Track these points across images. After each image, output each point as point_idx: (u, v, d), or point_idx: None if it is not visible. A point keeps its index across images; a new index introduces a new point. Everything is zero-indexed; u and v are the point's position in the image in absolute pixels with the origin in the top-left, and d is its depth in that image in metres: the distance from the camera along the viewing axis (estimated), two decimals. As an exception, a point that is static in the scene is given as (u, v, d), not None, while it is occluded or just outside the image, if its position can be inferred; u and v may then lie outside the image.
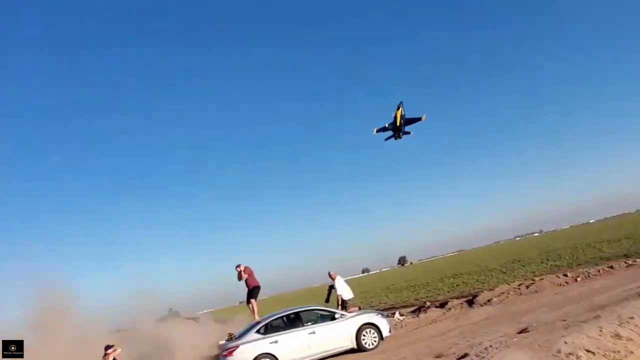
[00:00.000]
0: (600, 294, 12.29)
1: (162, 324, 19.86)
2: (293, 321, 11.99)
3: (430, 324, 15.08)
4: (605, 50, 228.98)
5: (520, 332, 9.84)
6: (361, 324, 12.21)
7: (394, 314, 17.88)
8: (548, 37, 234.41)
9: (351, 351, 12.09)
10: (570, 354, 7.08)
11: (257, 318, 12.51)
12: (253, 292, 13.26)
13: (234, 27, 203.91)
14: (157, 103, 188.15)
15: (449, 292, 24.35)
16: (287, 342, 11.47)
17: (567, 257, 28.15)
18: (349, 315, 12.46)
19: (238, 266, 13.41)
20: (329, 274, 14.63)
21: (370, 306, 26.08)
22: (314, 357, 11.70)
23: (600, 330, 8.08)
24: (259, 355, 11.10)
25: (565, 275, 17.40)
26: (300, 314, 12.25)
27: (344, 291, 14.38)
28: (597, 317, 9.11)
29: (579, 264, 22.26)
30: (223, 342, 11.85)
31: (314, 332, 11.81)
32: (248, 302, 13.25)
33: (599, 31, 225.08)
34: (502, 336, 9.83)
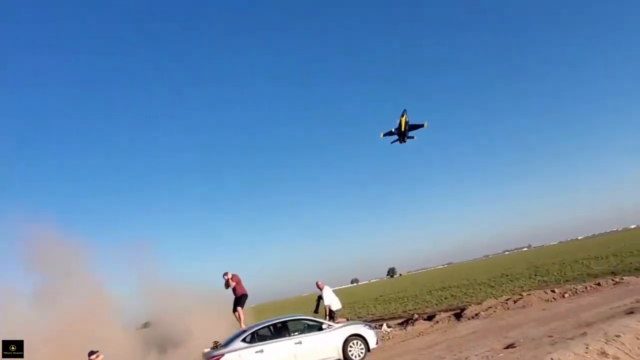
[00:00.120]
0: (588, 311, 12.33)
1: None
2: (280, 330, 11.87)
3: (417, 336, 15.02)
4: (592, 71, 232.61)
5: (507, 348, 9.82)
6: (348, 335, 12.11)
7: (381, 325, 17.78)
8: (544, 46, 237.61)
9: (337, 362, 11.99)
10: (556, 370, 7.07)
11: (243, 326, 12.37)
12: (240, 300, 13.13)
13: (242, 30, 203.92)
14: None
15: (437, 304, 24.31)
16: (273, 352, 11.33)
17: (555, 273, 28.27)
18: (336, 326, 12.36)
19: (225, 274, 13.28)
20: (317, 284, 14.50)
21: (358, 317, 25.94)
22: (300, 367, 11.57)
23: (587, 348, 8.08)
24: (245, 364, 10.95)
25: (553, 291, 17.46)
26: (287, 323, 12.12)
27: (332, 301, 14.29)
28: (584, 334, 9.12)
29: (566, 280, 22.35)
30: (208, 350, 11.68)
31: (300, 342, 11.68)
32: (234, 310, 13.12)
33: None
34: (488, 351, 9.81)
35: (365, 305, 37.36)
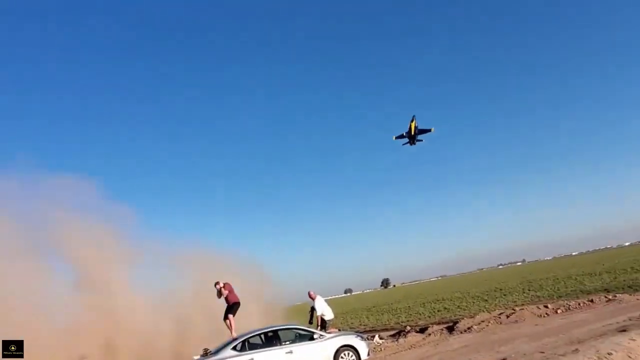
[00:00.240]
0: (580, 328, 12.30)
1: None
2: (271, 339, 11.78)
3: (409, 349, 14.92)
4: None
5: (499, 362, 9.77)
6: (339, 345, 12.04)
7: (373, 337, 17.68)
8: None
9: (328, 373, 11.89)
10: (547, 387, 7.02)
11: (234, 334, 12.27)
12: (232, 308, 13.03)
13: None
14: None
15: (429, 317, 24.23)
16: (264, 361, 11.25)
17: (548, 288, 28.27)
18: (327, 336, 12.29)
19: (217, 283, 13.19)
20: (309, 294, 14.38)
21: (351, 327, 25.81)
22: (290, 377, 11.47)
23: (579, 365, 8.05)
24: (234, 372, 10.86)
25: (546, 306, 17.42)
26: (279, 332, 12.04)
27: (325, 311, 14.20)
28: (576, 350, 9.08)
29: (559, 296, 22.35)
30: (197, 357, 11.58)
31: (291, 352, 11.60)
32: (226, 317, 13.00)
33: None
34: (480, 365, 9.76)
35: (358, 315, 37.19)
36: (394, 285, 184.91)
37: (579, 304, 17.07)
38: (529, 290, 29.89)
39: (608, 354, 8.42)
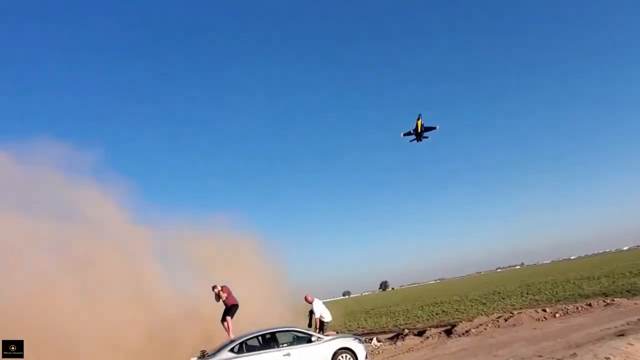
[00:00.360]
0: (578, 332, 12.30)
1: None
2: (268, 341, 11.74)
3: (407, 352, 14.92)
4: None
5: (497, 366, 9.77)
6: (337, 348, 12.00)
7: (371, 339, 17.67)
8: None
9: (325, 375, 11.87)
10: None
11: (232, 336, 12.23)
12: (230, 310, 12.99)
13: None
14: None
15: (428, 320, 24.20)
16: (261, 363, 11.21)
17: (546, 292, 28.26)
18: (325, 338, 12.25)
19: (214, 287, 13.16)
20: (306, 298, 14.13)
21: (349, 330, 25.76)
22: (287, 379, 11.44)
23: (576, 369, 8.05)
24: (230, 374, 10.82)
25: (544, 310, 17.43)
26: (276, 334, 11.99)
27: (323, 313, 14.12)
28: (574, 355, 9.09)
29: (558, 300, 22.33)
30: (195, 359, 11.54)
31: (288, 354, 11.56)
32: (223, 319, 12.97)
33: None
34: (478, 369, 9.75)
35: (356, 318, 37.14)
36: (393, 288, 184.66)
37: (577, 308, 17.08)
38: (527, 293, 29.88)
39: (606, 358, 8.42)
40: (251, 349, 11.46)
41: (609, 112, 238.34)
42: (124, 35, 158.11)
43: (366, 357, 12.47)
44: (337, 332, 14.29)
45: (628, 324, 12.11)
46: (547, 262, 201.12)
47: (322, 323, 13.89)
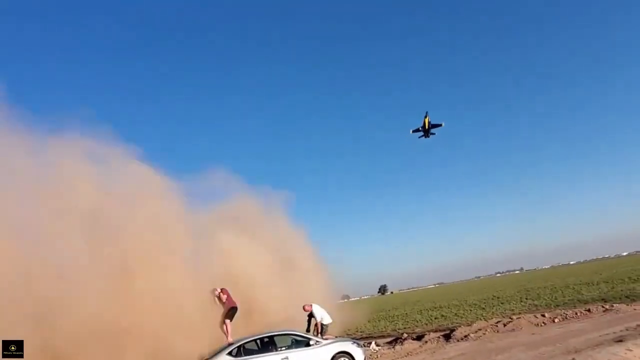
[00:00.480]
0: (577, 337, 12.28)
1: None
2: (267, 345, 11.74)
3: (405, 356, 14.88)
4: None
5: (495, 371, 9.75)
6: (336, 352, 12.00)
7: (370, 343, 17.61)
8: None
9: (324, 379, 11.84)
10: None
11: (230, 339, 12.21)
12: (229, 312, 12.97)
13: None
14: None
15: (426, 324, 24.13)
16: (259, 367, 11.20)
17: (545, 297, 28.21)
18: (324, 342, 12.24)
19: (214, 290, 13.15)
20: (304, 308, 13.95)
21: (347, 334, 25.68)
22: (285, 383, 11.43)
23: (575, 375, 8.04)
24: (228, 378, 10.80)
25: (543, 315, 17.40)
26: (275, 337, 11.99)
27: (324, 316, 14.04)
28: (573, 360, 9.08)
29: (557, 305, 22.28)
30: None
31: (287, 358, 11.55)
32: (222, 323, 12.94)
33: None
34: (476, 374, 9.74)
35: (354, 322, 37.01)
36: (392, 292, 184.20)
37: (576, 314, 17.05)
38: (526, 298, 29.82)
39: (604, 364, 8.41)
40: (249, 352, 11.45)
41: (610, 117, 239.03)
42: (124, 35, 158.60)
43: (365, 361, 12.46)
44: (336, 337, 14.26)
45: (627, 330, 12.09)
46: (546, 267, 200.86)
47: (323, 326, 13.85)
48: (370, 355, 15.55)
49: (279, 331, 12.62)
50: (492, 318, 19.89)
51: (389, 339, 19.37)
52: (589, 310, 17.24)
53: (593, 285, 32.28)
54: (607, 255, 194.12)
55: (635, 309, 16.57)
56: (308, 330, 14.33)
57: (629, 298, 20.08)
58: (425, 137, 34.92)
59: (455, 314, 27.41)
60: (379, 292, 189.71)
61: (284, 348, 11.76)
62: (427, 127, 34.04)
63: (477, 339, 15.49)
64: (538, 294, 31.91)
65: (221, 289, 13.09)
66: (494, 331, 16.33)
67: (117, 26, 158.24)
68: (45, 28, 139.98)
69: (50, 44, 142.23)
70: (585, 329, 13.77)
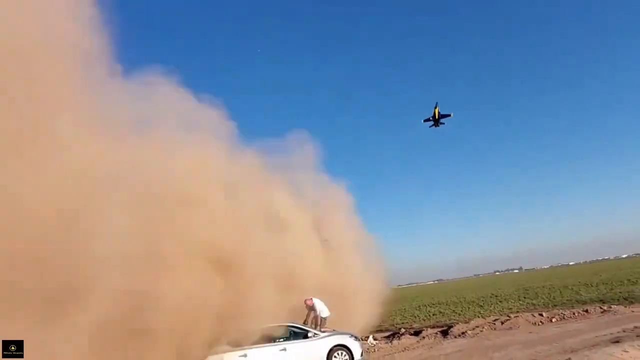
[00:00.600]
0: (574, 337, 12.33)
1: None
2: (265, 336, 11.81)
3: (402, 351, 14.97)
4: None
5: (491, 368, 9.82)
6: (333, 345, 12.10)
7: (367, 337, 17.71)
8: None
9: (321, 372, 11.95)
10: (538, 394, 7.05)
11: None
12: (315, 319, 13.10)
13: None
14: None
15: (424, 320, 24.22)
16: (257, 357, 11.29)
17: (544, 297, 28.25)
18: (322, 334, 12.33)
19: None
20: (305, 302, 13.92)
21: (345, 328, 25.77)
22: (283, 374, 11.53)
23: (570, 374, 8.09)
24: (226, 367, 10.90)
25: (541, 314, 17.45)
26: (273, 329, 12.07)
27: (323, 309, 14.13)
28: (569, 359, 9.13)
29: (555, 305, 22.32)
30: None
31: (285, 349, 11.66)
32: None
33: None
34: (473, 370, 9.80)
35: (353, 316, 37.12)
36: (391, 287, 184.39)
37: (574, 314, 17.09)
38: (524, 297, 29.86)
39: (600, 364, 8.46)
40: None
41: (616, 119, 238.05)
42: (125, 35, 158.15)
43: (362, 355, 12.55)
44: (334, 330, 14.34)
45: (624, 331, 12.13)
46: (545, 267, 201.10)
47: (320, 319, 13.93)
48: (368, 349, 15.64)
49: (278, 323, 12.73)
50: (490, 316, 19.95)
51: (386, 334, 19.47)
52: (586, 311, 17.28)
53: (592, 286, 32.29)
54: (607, 257, 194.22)
55: (633, 311, 16.60)
56: (305, 323, 14.44)
57: (627, 300, 20.10)
58: (435, 126, 37.03)
59: (454, 310, 27.49)
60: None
61: (282, 339, 11.86)
62: (437, 117, 36.20)
63: (474, 336, 15.57)
64: (536, 294, 31.94)
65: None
66: (492, 329, 16.40)
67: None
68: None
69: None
70: (582, 329, 13.81)
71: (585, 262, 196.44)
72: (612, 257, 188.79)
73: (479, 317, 20.21)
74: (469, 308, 27.71)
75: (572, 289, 32.06)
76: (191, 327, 10.14)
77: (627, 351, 9.17)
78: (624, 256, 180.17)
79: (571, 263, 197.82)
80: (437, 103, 36.55)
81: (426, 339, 16.70)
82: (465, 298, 38.86)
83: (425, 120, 37.58)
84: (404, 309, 36.61)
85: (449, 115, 36.99)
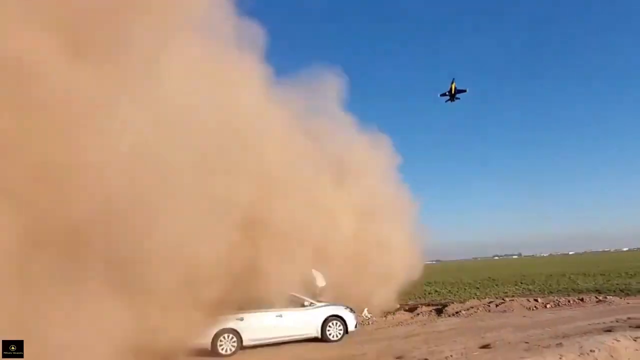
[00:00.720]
0: (567, 324, 12.43)
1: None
2: (262, 301, 11.98)
3: (396, 325, 15.20)
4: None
5: (482, 347, 9.95)
6: (328, 315, 12.30)
7: (362, 310, 17.94)
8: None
9: (314, 340, 12.19)
10: (527, 375, 7.15)
11: None
12: None
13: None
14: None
15: (420, 298, 24.50)
16: (253, 321, 11.49)
17: (540, 283, 28.41)
18: (318, 304, 12.50)
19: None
20: None
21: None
22: (277, 340, 11.76)
23: (560, 358, 8.18)
24: (221, 330, 11.11)
25: (536, 300, 17.58)
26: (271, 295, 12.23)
27: (319, 279, 14.27)
28: (560, 344, 9.22)
29: (550, 292, 22.45)
30: None
31: (281, 316, 11.85)
32: None
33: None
34: (463, 348, 9.95)
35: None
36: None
37: (569, 302, 17.20)
38: (521, 283, 30.04)
39: (591, 350, 8.55)
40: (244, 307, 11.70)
41: (621, 113, 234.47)
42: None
43: (356, 326, 12.76)
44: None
45: (617, 322, 12.20)
46: (544, 255, 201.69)
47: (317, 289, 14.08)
48: (362, 321, 15.87)
49: (275, 290, 12.89)
50: (485, 298, 20.13)
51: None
52: (582, 300, 17.38)
53: (589, 276, 32.41)
54: (607, 249, 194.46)
55: (628, 303, 16.68)
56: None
57: (623, 292, 20.17)
58: (451, 101, 38.42)
59: (449, 291, 27.76)
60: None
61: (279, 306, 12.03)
62: (453, 92, 37.71)
63: (468, 316, 15.76)
64: (533, 280, 32.12)
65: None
66: (486, 310, 16.58)
67: None
68: None
69: None
70: (576, 316, 13.92)
71: (585, 252, 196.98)
72: (612, 250, 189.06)
73: (474, 298, 20.41)
74: (465, 289, 27.96)
75: (569, 277, 32.20)
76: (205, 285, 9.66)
77: (618, 340, 9.23)
78: (624, 249, 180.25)
79: (571, 252, 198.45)
80: (453, 79, 37.91)
81: (420, 315, 16.94)
82: (462, 280, 39.18)
83: (441, 95, 38.77)
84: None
85: (465, 91, 38.30)
